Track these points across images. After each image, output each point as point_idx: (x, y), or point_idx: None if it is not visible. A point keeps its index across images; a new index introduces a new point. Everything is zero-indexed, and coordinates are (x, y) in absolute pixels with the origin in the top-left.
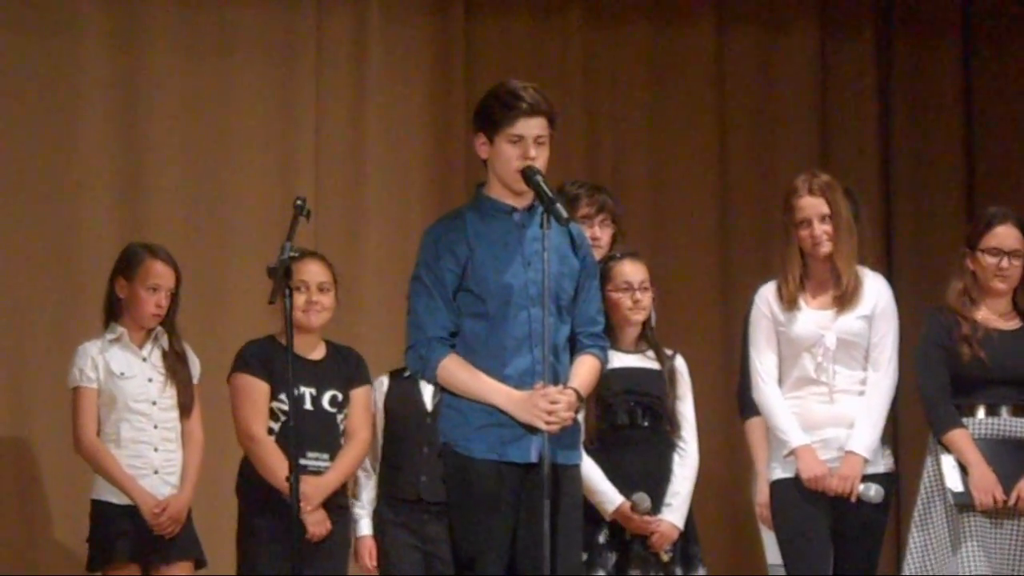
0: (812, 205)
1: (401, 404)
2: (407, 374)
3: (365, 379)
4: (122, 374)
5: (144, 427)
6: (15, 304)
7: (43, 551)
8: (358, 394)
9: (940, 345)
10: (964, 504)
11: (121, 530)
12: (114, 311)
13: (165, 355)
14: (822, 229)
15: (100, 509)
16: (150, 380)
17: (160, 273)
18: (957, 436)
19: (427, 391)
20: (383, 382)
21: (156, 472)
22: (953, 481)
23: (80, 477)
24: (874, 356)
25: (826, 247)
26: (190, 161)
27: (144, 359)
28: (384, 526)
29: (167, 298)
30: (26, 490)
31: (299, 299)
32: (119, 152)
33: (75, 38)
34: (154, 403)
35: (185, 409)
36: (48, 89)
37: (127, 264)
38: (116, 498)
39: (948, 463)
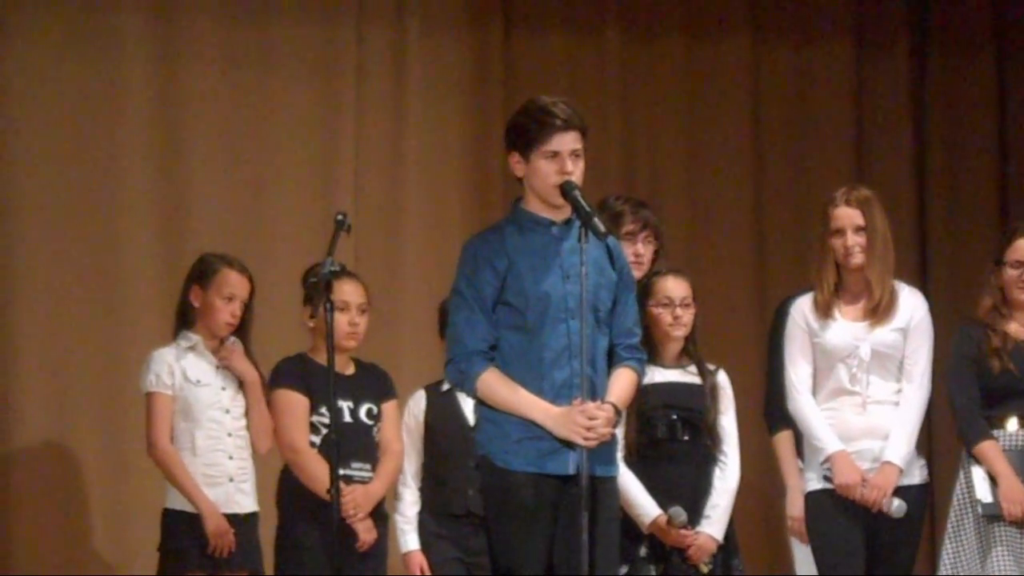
0: (847, 215)
1: (443, 420)
2: (444, 388)
3: (394, 393)
4: (199, 381)
5: (219, 435)
6: (58, 315)
7: (84, 559)
8: (389, 407)
9: (970, 358)
10: (993, 515)
11: (193, 541)
12: (186, 319)
13: None
14: (855, 240)
15: (173, 518)
16: (223, 388)
17: (235, 283)
18: (987, 448)
19: (468, 405)
20: (421, 398)
21: (231, 480)
22: (983, 492)
23: (121, 485)
24: (908, 369)
25: (858, 258)
26: (231, 175)
27: (217, 368)
28: (428, 539)
29: (241, 308)
30: (68, 498)
31: (342, 320)
32: (160, 166)
33: (117, 53)
34: (227, 411)
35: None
36: (90, 104)
37: (202, 273)
38: (190, 507)
39: (978, 474)
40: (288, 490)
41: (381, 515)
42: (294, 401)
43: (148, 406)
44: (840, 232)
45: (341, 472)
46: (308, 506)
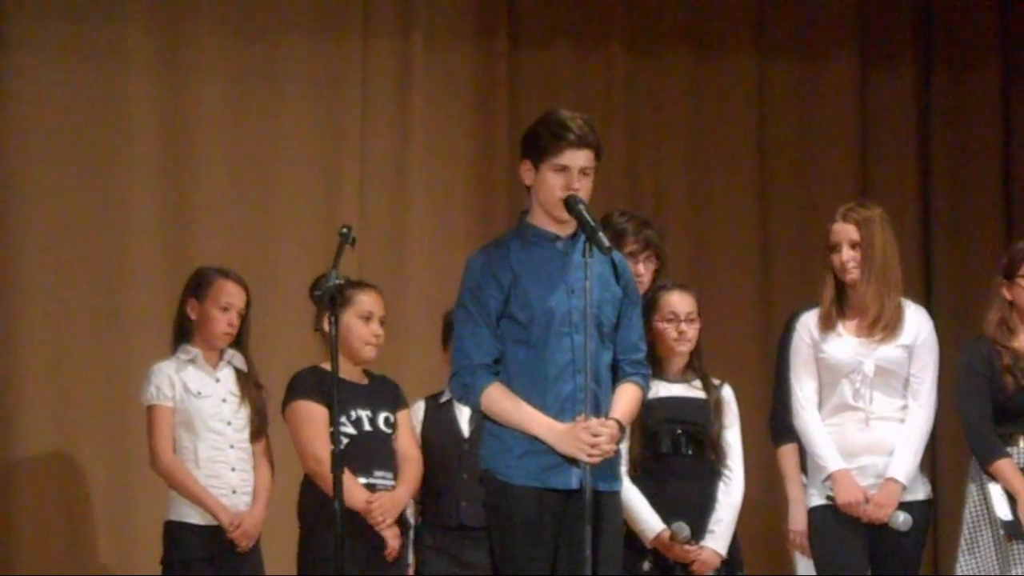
0: (843, 231)
1: (438, 432)
2: (444, 399)
3: (406, 403)
4: (199, 393)
5: (221, 447)
6: (62, 327)
7: (87, 571)
8: (403, 416)
9: (981, 374)
10: (1014, 533)
11: (196, 552)
12: (184, 333)
13: (238, 376)
14: (850, 255)
15: (176, 530)
16: (224, 400)
17: (232, 292)
18: (1004, 465)
19: (463, 417)
20: (419, 409)
21: (234, 492)
22: (1003, 510)
23: (124, 497)
24: (914, 386)
25: (853, 274)
26: (236, 189)
27: (217, 380)
28: (423, 552)
29: (238, 318)
30: (72, 510)
31: (366, 331)
32: (165, 179)
33: (122, 66)
34: (229, 423)
35: (258, 432)
36: (95, 116)
37: (198, 285)
38: (192, 519)
39: (996, 492)
40: (310, 501)
41: (405, 523)
42: (314, 412)
43: (149, 419)
44: (836, 247)
45: (364, 480)
46: (331, 517)
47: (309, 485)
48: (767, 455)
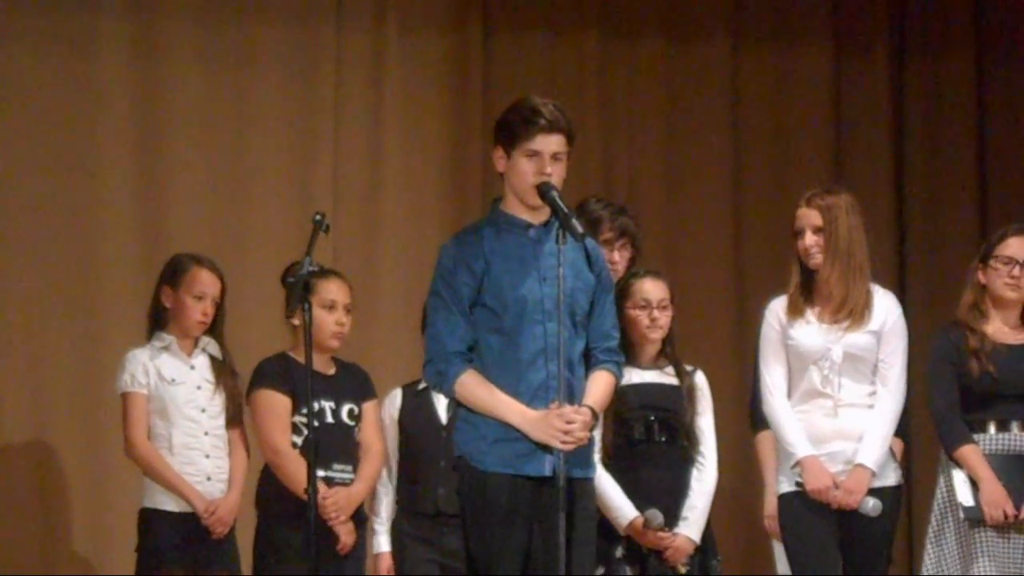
0: (807, 216)
1: (415, 419)
2: (421, 387)
3: (373, 393)
4: (173, 380)
5: (195, 434)
6: (36, 315)
7: (62, 559)
8: (369, 407)
9: (950, 362)
10: (975, 519)
11: (171, 540)
12: (159, 320)
13: (213, 363)
14: (813, 240)
15: (151, 517)
16: (199, 387)
17: (206, 281)
18: (968, 452)
19: (441, 405)
20: (396, 396)
21: (209, 479)
22: (964, 496)
23: (99, 485)
24: (883, 372)
25: (816, 259)
26: (209, 175)
27: (192, 367)
28: (403, 540)
29: (213, 306)
30: (46, 498)
31: (329, 319)
32: (138, 165)
33: (95, 52)
34: (203, 410)
35: (234, 418)
36: (68, 103)
37: (173, 273)
38: (167, 506)
39: (959, 478)
40: (268, 492)
41: (361, 517)
42: (276, 402)
43: (124, 406)
44: (801, 233)
45: (322, 474)
46: (288, 508)
47: (268, 475)
48: (740, 441)
